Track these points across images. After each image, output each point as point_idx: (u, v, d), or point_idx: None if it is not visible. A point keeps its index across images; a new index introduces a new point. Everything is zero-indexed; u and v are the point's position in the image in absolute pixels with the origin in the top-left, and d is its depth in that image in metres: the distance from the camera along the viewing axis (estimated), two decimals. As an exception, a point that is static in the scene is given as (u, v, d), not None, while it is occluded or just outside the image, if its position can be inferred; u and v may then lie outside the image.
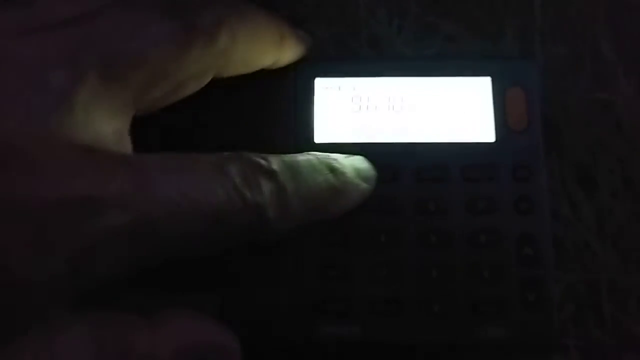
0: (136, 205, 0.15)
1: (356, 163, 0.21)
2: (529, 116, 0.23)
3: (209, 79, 0.20)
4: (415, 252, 0.22)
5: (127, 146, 0.18)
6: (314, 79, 0.23)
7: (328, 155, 0.20)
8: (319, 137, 0.23)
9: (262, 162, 0.18)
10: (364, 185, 0.21)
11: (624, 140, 0.25)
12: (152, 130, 0.20)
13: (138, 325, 0.16)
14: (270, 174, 0.18)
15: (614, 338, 0.24)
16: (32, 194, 0.15)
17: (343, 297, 0.21)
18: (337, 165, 0.20)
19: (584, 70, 0.26)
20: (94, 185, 0.15)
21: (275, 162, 0.18)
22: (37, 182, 0.15)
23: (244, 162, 0.18)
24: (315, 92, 0.23)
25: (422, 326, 0.21)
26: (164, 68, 0.18)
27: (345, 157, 0.21)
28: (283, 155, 0.19)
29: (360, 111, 0.23)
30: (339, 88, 0.23)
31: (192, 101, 0.20)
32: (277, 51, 0.22)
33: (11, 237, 0.14)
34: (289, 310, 0.21)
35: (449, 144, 0.22)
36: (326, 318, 0.21)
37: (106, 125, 0.17)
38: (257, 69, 0.22)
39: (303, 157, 0.20)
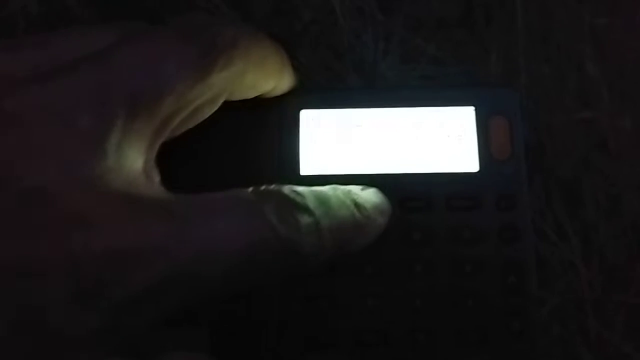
0: (177, 253, 0.15)
1: (372, 197, 0.21)
2: (512, 145, 0.23)
3: (221, 103, 0.20)
4: (400, 282, 0.22)
5: (155, 178, 0.18)
6: (299, 111, 0.23)
7: (350, 189, 0.20)
8: (305, 169, 0.23)
9: (297, 198, 0.18)
10: (380, 219, 0.21)
11: (609, 158, 0.25)
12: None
13: None
14: (305, 209, 0.18)
15: (601, 358, 0.24)
16: (76, 247, 0.14)
17: (329, 328, 0.21)
18: (359, 200, 0.20)
19: (568, 89, 0.26)
20: (136, 236, 0.15)
21: (308, 196, 0.18)
22: (81, 234, 0.14)
23: (279, 199, 0.17)
24: (300, 124, 0.23)
25: (407, 356, 0.21)
26: (187, 95, 0.17)
27: (362, 189, 0.21)
28: (313, 189, 0.19)
29: (344, 143, 0.23)
30: (324, 120, 0.23)
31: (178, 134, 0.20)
32: (279, 77, 0.22)
33: (53, 290, 0.14)
34: (277, 342, 0.21)
35: (433, 174, 0.23)
36: (313, 349, 0.21)
37: (137, 162, 0.17)
38: (259, 93, 0.22)
39: (331, 191, 0.19)
